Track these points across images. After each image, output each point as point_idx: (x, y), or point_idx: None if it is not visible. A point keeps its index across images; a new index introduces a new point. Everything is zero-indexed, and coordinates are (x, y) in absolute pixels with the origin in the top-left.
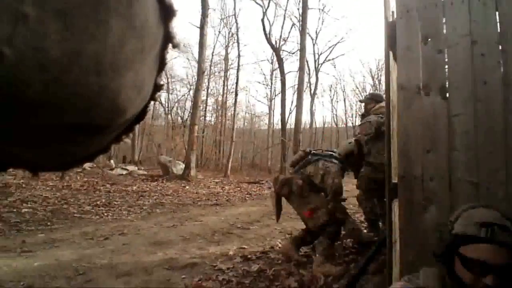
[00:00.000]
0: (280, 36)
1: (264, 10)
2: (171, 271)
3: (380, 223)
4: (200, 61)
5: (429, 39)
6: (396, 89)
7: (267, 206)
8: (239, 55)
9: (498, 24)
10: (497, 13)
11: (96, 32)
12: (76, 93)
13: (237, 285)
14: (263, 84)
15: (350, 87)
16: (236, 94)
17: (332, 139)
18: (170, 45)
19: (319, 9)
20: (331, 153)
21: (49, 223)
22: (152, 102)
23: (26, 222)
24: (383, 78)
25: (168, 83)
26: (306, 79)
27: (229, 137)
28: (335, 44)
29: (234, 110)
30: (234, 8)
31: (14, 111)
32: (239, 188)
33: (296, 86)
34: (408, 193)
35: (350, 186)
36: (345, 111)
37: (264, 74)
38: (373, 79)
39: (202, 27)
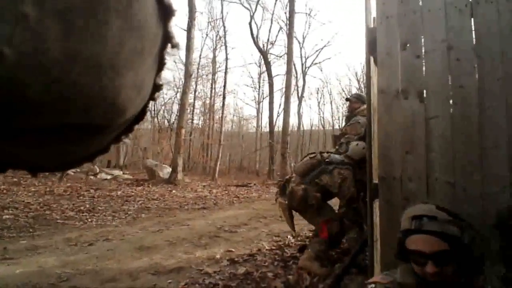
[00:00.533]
0: (268, 39)
1: (252, 14)
2: (157, 276)
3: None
4: (187, 63)
5: (408, 45)
6: (377, 93)
7: (255, 209)
8: (226, 58)
9: (474, 30)
10: (472, 20)
11: (96, 33)
12: (76, 93)
13: None
14: (251, 87)
15: (336, 90)
16: (224, 97)
17: (319, 141)
18: (169, 45)
19: (306, 13)
20: (342, 159)
21: (31, 230)
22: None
23: (7, 228)
24: None
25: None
26: (293, 82)
27: (217, 140)
28: (322, 48)
29: (222, 113)
30: (222, 11)
31: (14, 111)
32: (226, 192)
33: (283, 89)
34: (388, 193)
35: None
36: (332, 113)
37: (252, 77)
38: (358, 83)
39: (189, 30)
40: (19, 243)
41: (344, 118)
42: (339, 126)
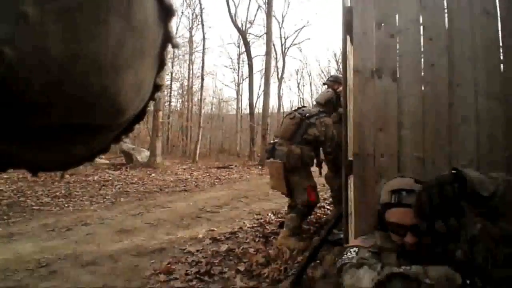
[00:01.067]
0: (246, 18)
1: None
2: (138, 257)
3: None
4: None
5: (382, 24)
6: (352, 72)
7: (236, 190)
8: (204, 38)
9: (446, 10)
10: (445, 1)
11: (96, 32)
12: (76, 93)
13: (207, 265)
14: (230, 68)
15: (316, 71)
16: (202, 79)
17: None
18: (169, 45)
19: None
20: (317, 109)
21: (6, 217)
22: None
23: None
24: None
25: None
26: (273, 63)
27: (197, 122)
28: (301, 28)
29: (201, 95)
30: None
31: (15, 111)
32: (207, 174)
33: (263, 71)
34: (361, 169)
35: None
36: (312, 95)
37: (231, 58)
38: (337, 64)
39: None
40: None
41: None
42: None
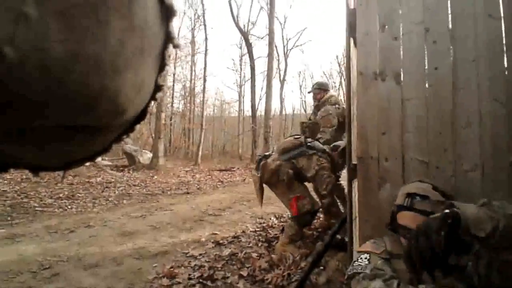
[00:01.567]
0: (248, 19)
1: None
2: (141, 260)
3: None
4: None
5: (386, 27)
6: (356, 75)
7: (239, 193)
8: (206, 39)
9: (450, 12)
10: (449, 2)
11: (97, 32)
12: (77, 93)
13: (209, 270)
14: (232, 69)
15: (318, 73)
16: (205, 80)
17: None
18: (170, 46)
19: None
20: (324, 148)
21: (9, 218)
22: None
23: None
24: None
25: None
26: (275, 65)
27: (199, 124)
28: (303, 30)
29: (203, 97)
30: None
31: (15, 111)
32: (210, 176)
33: (265, 72)
34: (365, 172)
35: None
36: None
37: (233, 60)
38: (339, 66)
39: None
40: None
41: (313, 107)
42: None
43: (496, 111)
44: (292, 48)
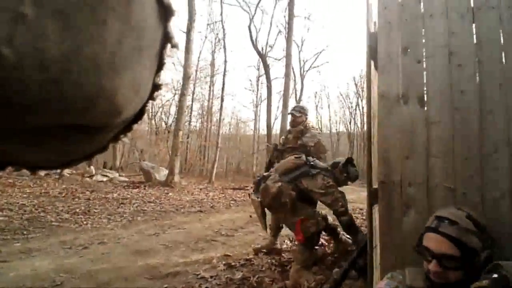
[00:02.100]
0: (267, 42)
1: (251, 17)
2: (152, 281)
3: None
4: (186, 66)
5: (409, 50)
6: (377, 97)
7: (252, 213)
8: (225, 61)
9: (475, 36)
10: (473, 25)
11: (94, 32)
12: (75, 93)
13: None
14: (249, 90)
15: (334, 94)
16: (222, 100)
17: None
18: (169, 45)
19: (305, 17)
20: (326, 166)
21: (25, 232)
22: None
23: (1, 231)
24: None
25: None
26: (291, 85)
27: (214, 142)
28: (320, 52)
29: (220, 116)
30: (221, 14)
31: (12, 111)
32: (223, 195)
33: (281, 92)
34: (387, 198)
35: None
36: (330, 117)
37: (250, 80)
38: (356, 87)
39: (188, 32)
40: (13, 245)
41: (287, 131)
42: (336, 130)
43: None
44: (308, 70)
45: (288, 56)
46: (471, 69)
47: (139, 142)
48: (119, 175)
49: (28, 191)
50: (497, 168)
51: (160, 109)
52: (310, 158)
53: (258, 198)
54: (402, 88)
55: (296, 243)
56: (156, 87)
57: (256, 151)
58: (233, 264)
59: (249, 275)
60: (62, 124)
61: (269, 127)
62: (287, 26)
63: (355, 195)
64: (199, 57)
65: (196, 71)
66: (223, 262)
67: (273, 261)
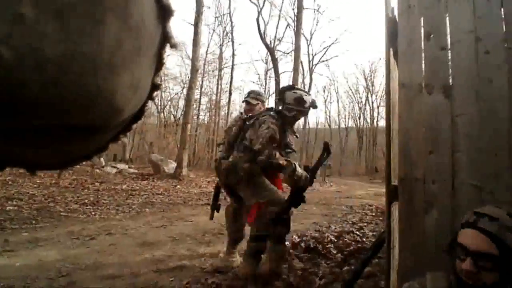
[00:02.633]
0: (275, 36)
1: (259, 10)
2: (158, 274)
3: None
4: (194, 59)
5: (432, 36)
6: (397, 88)
7: None
8: (233, 54)
9: (504, 21)
10: (502, 10)
11: (93, 33)
12: (73, 93)
13: None
14: (257, 84)
15: (343, 88)
16: (230, 93)
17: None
18: (168, 45)
19: (314, 9)
20: (274, 114)
21: (34, 222)
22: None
23: (10, 220)
24: (376, 80)
25: (161, 81)
26: (300, 79)
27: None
28: (329, 45)
29: (228, 109)
30: (229, 7)
31: (12, 111)
32: None
33: None
34: (408, 196)
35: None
36: (338, 112)
37: (258, 74)
38: (366, 81)
39: (196, 25)
40: (21, 235)
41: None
42: (345, 124)
43: None
44: (317, 64)
45: (296, 49)
46: (500, 56)
47: (148, 135)
48: (129, 167)
49: (38, 181)
50: None
51: (169, 102)
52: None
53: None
54: (425, 77)
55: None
56: (155, 86)
57: None
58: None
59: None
60: (61, 124)
61: None
62: (295, 19)
63: (363, 191)
64: (207, 51)
65: (204, 64)
66: None
67: None
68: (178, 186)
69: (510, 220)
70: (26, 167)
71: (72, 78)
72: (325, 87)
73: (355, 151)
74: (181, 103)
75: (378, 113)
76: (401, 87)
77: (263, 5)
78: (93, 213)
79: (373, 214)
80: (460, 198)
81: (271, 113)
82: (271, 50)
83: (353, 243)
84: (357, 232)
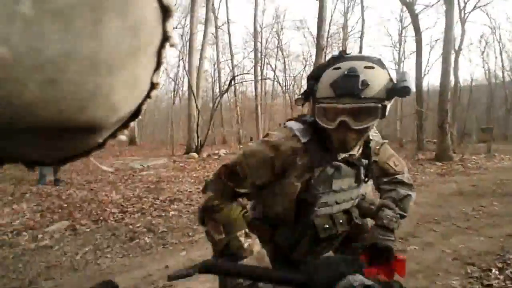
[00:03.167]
0: None
1: None
2: None
3: None
4: (319, 37)
5: None
6: None
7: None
8: (363, 18)
9: None
10: None
11: (92, 31)
12: (72, 92)
13: None
14: (390, 46)
15: (505, 36)
16: None
17: (482, 99)
18: (167, 44)
19: None
20: None
21: (190, 233)
22: (149, 100)
23: (171, 231)
24: None
25: (284, 62)
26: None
27: None
28: None
29: None
30: None
31: (11, 111)
32: None
33: (432, 44)
34: None
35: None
36: (502, 64)
37: (390, 35)
38: None
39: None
40: (179, 256)
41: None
42: (510, 78)
43: None
44: (471, 11)
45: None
46: None
47: (276, 116)
48: None
49: (194, 175)
50: None
51: (292, 82)
52: None
53: None
54: None
55: None
56: (153, 85)
57: (403, 116)
58: None
59: None
60: (60, 122)
61: (419, 87)
62: None
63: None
64: (330, 22)
65: (327, 38)
66: None
67: None
68: None
69: None
70: (24, 163)
71: (71, 77)
72: (481, 37)
73: None
74: (304, 82)
75: None
76: None
77: None
78: None
79: None
80: None
81: None
82: (408, 5)
83: None
84: None
